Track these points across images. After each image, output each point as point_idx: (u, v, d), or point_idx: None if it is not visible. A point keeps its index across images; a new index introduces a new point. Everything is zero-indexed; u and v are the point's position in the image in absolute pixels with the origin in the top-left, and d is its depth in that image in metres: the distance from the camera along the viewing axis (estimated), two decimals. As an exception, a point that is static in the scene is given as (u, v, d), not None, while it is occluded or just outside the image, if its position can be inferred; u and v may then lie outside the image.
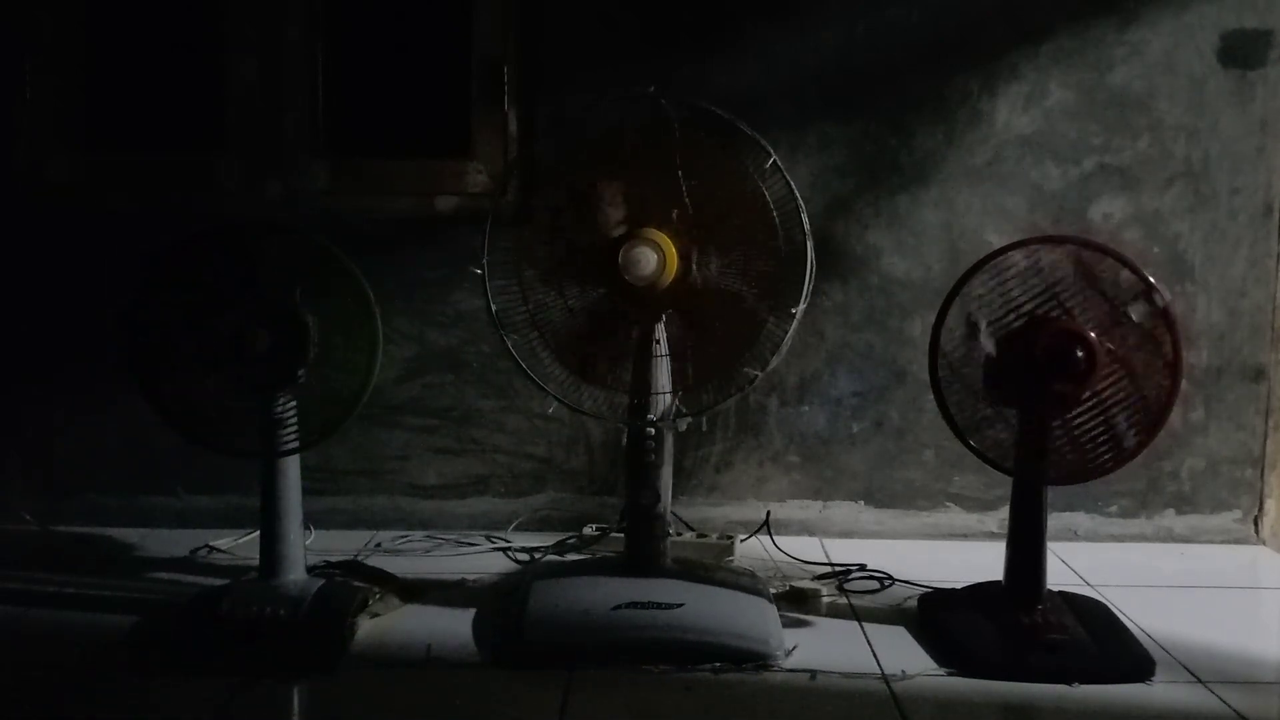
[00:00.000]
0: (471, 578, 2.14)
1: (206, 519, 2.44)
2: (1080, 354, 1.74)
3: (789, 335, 1.84)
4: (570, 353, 1.89)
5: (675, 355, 1.89)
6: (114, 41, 2.50)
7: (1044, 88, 2.37)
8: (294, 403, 1.82)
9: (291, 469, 1.88)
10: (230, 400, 1.81)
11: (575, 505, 2.48)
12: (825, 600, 2.04)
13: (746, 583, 2.00)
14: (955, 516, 2.47)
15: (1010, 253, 1.80)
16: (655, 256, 1.79)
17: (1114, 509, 2.46)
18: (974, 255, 1.87)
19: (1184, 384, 1.77)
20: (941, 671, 1.73)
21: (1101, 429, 1.78)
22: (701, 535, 2.32)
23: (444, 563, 2.26)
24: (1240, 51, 2.36)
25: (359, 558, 2.23)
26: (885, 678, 1.71)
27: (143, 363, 1.82)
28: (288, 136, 2.44)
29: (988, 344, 1.78)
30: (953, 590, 1.99)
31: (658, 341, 1.88)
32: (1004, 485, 1.92)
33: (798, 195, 1.82)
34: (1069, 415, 1.78)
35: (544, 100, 2.41)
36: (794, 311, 1.83)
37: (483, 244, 1.87)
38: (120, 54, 2.51)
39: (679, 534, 2.27)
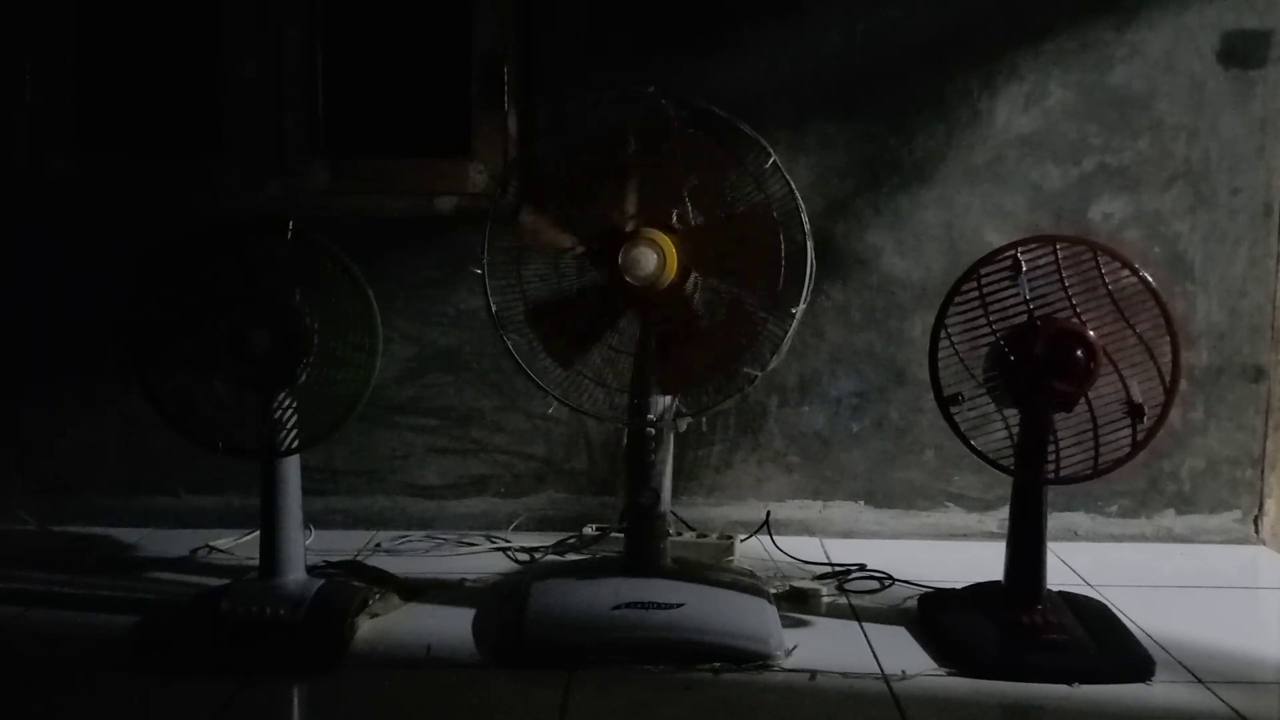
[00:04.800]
0: (471, 578, 2.14)
1: (206, 519, 2.44)
2: (1080, 354, 1.74)
3: (789, 335, 1.84)
4: (544, 323, 1.88)
5: (675, 355, 1.88)
6: (114, 41, 2.50)
7: (1044, 88, 2.38)
8: (294, 403, 1.82)
9: (291, 469, 1.88)
10: (230, 400, 1.81)
11: (575, 505, 2.48)
12: (825, 600, 2.04)
13: (746, 583, 2.00)
14: (955, 516, 2.47)
15: (1010, 252, 1.80)
16: (655, 257, 1.79)
17: (1114, 509, 2.46)
18: (974, 255, 1.87)
19: (1184, 384, 1.77)
20: (941, 671, 1.73)
21: (1101, 429, 1.78)
22: (701, 535, 2.31)
23: (444, 563, 2.26)
24: (1240, 51, 2.36)
25: (359, 558, 2.23)
26: (885, 678, 1.71)
27: (142, 362, 1.81)
28: (288, 136, 2.44)
29: (1025, 289, 1.77)
30: (953, 590, 1.99)
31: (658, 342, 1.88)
32: (1004, 485, 1.92)
33: (798, 195, 1.82)
34: (1069, 415, 1.78)
35: (544, 100, 2.41)
36: (794, 311, 1.83)
37: (482, 244, 1.88)
38: (120, 53, 2.51)
39: (679, 534, 2.27)
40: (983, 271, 1.80)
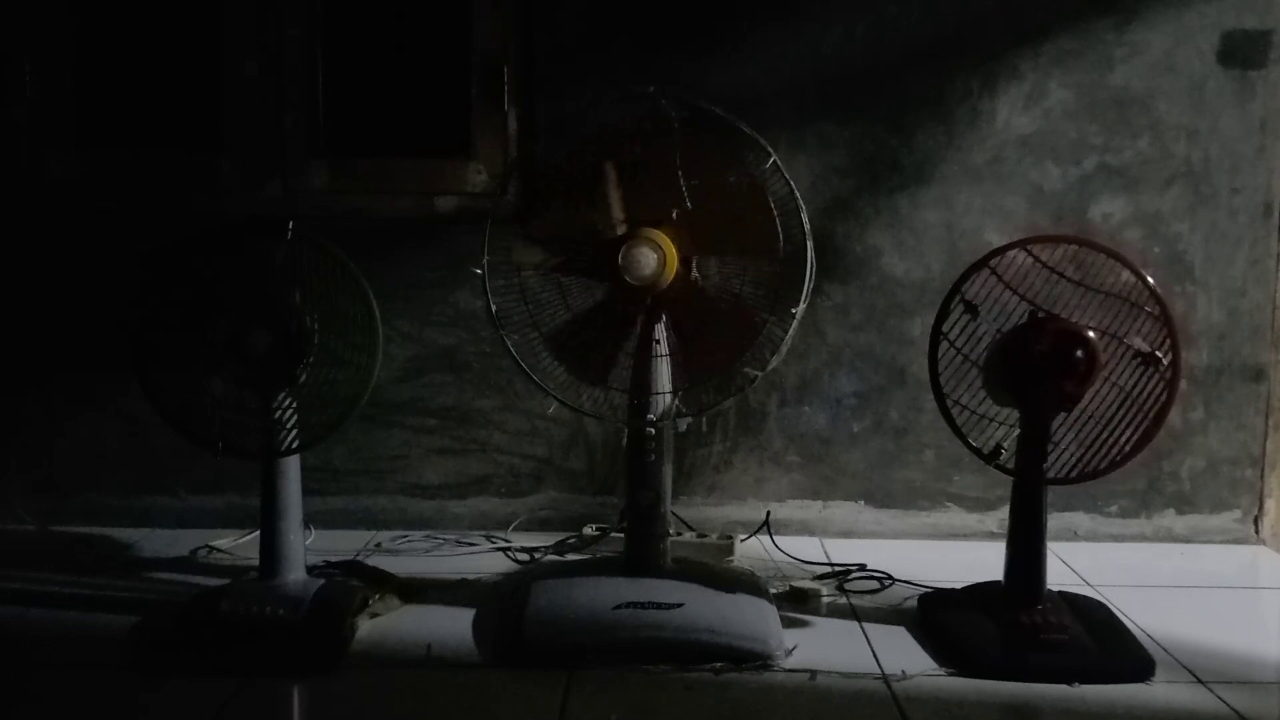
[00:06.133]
0: (471, 578, 2.14)
1: (206, 519, 2.44)
2: (1080, 353, 1.74)
3: (789, 335, 1.84)
4: (568, 352, 1.89)
5: (675, 355, 1.89)
6: (113, 40, 2.50)
7: (1044, 88, 2.38)
8: (294, 403, 1.82)
9: (291, 469, 1.88)
10: (230, 400, 1.81)
11: (575, 505, 2.48)
12: (825, 600, 2.04)
13: (746, 583, 2.00)
14: (955, 516, 2.47)
15: (1010, 252, 1.80)
16: (655, 257, 1.80)
17: (1114, 509, 2.46)
18: (974, 255, 1.87)
19: (1183, 384, 1.77)
20: (941, 671, 1.73)
21: (1101, 429, 1.78)
22: (701, 535, 2.32)
23: (444, 563, 2.26)
24: (1240, 51, 2.36)
25: (359, 558, 2.23)
26: (885, 678, 1.71)
27: (143, 362, 1.82)
28: (288, 136, 2.44)
29: (986, 324, 1.79)
30: (953, 590, 2.00)
31: (658, 341, 1.88)
32: (1004, 485, 1.92)
33: (798, 195, 1.82)
34: (1069, 415, 1.78)
35: (544, 100, 2.41)
36: (794, 311, 1.83)
37: (482, 244, 1.88)
38: (120, 53, 2.51)
39: (679, 534, 2.27)
40: (944, 330, 1.82)
